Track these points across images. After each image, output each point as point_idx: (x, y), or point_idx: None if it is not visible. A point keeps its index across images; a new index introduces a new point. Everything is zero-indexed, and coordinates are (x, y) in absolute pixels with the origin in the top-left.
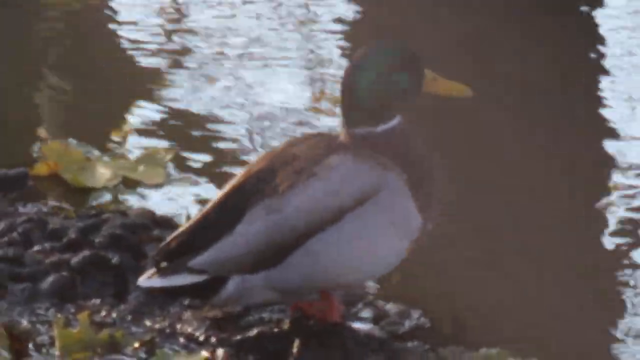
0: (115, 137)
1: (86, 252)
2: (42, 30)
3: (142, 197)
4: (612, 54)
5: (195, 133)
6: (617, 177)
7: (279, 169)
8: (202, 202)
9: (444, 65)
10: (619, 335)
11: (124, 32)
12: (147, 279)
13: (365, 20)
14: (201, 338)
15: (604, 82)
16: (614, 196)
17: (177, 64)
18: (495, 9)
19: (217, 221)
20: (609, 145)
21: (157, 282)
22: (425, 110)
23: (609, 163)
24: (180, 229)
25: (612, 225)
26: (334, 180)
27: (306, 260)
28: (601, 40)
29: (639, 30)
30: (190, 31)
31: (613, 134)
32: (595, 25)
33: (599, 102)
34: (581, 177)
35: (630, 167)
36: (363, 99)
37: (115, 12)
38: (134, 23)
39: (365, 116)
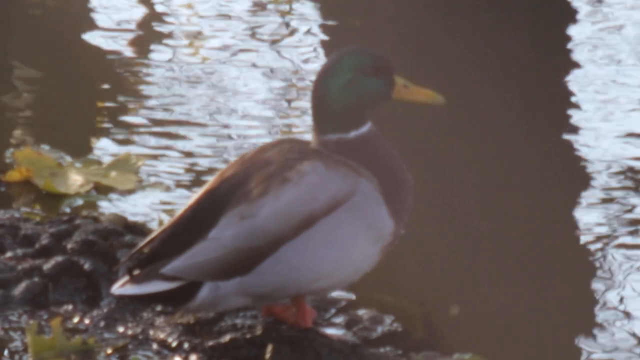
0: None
1: (58, 258)
2: (13, 34)
3: (114, 203)
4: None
5: (167, 138)
6: (589, 175)
7: (251, 174)
8: (174, 208)
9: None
10: (593, 337)
11: (99, 35)
12: (121, 287)
13: (338, 27)
14: (174, 344)
15: (576, 79)
16: (586, 196)
17: (152, 68)
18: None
19: (189, 227)
20: (581, 143)
21: (131, 289)
22: (397, 110)
23: (580, 160)
24: (153, 235)
25: (586, 225)
26: (306, 186)
27: (279, 266)
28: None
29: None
30: (167, 34)
31: (583, 132)
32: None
33: (569, 99)
34: (552, 177)
35: (602, 166)
36: (333, 105)
37: (90, 14)
38: (110, 28)
39: (336, 123)
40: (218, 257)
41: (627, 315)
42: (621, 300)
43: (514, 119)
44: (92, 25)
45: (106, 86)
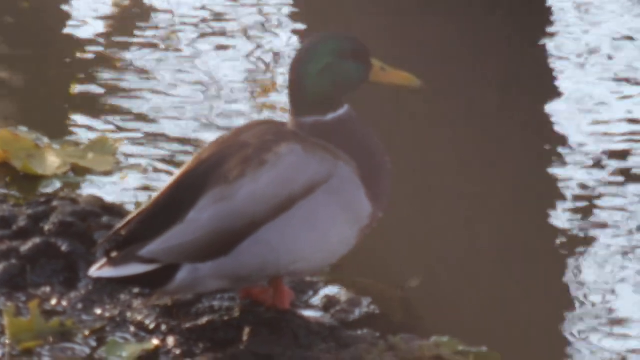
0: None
1: (36, 240)
2: None
3: (92, 184)
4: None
5: (144, 121)
6: (565, 168)
7: (229, 155)
8: (151, 189)
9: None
10: (568, 321)
11: (75, 13)
12: (98, 270)
13: (314, 12)
14: (151, 326)
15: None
16: (562, 184)
17: (125, 49)
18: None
19: (167, 209)
20: (559, 135)
21: (108, 272)
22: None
23: (558, 152)
24: (130, 217)
25: (562, 211)
26: (284, 168)
27: (257, 248)
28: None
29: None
30: (142, 16)
31: (561, 123)
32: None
33: (551, 92)
34: (530, 167)
35: (579, 158)
36: (310, 87)
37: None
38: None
39: (313, 105)
40: (196, 239)
41: (612, 298)
42: (601, 285)
43: (495, 101)
44: (70, 11)
45: (84, 69)
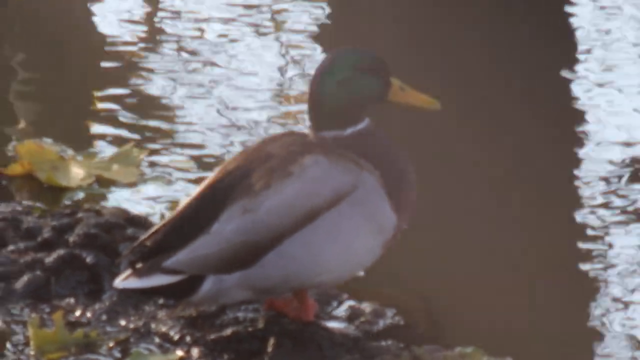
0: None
1: (60, 252)
2: (12, 27)
3: (116, 196)
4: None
5: (169, 131)
6: (586, 177)
7: (254, 167)
8: (176, 201)
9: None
10: (592, 331)
11: (99, 25)
12: (123, 281)
13: (338, 25)
14: (176, 337)
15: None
16: (583, 193)
17: (151, 61)
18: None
19: (192, 220)
20: (580, 140)
21: (133, 283)
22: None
23: (578, 160)
24: (155, 228)
25: (583, 220)
26: (309, 179)
27: (282, 260)
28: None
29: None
30: (163, 31)
31: (583, 135)
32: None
33: (570, 100)
34: (549, 173)
35: (606, 161)
36: (329, 102)
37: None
38: (111, 18)
39: (331, 120)
40: (220, 251)
41: (628, 311)
42: (622, 296)
43: (519, 114)
44: (93, 17)
45: (109, 78)
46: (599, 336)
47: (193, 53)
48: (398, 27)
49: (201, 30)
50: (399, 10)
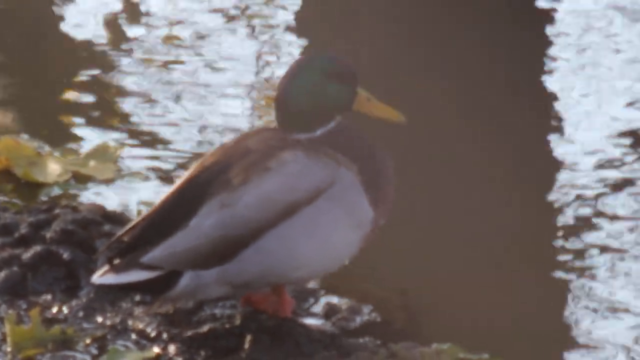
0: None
1: (37, 248)
2: None
3: (93, 192)
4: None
5: (146, 128)
6: (565, 172)
7: (232, 162)
8: (153, 197)
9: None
10: (572, 328)
11: (73, 23)
12: (101, 277)
13: (317, 22)
14: (153, 334)
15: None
16: (564, 190)
17: (128, 55)
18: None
19: (170, 215)
20: (560, 138)
21: (111, 279)
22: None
23: (559, 156)
24: (133, 224)
25: (564, 217)
26: (288, 175)
27: (260, 255)
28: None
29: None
30: (143, 22)
31: (561, 130)
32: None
33: (546, 95)
34: (531, 171)
35: (576, 163)
36: (295, 109)
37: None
38: (83, 15)
39: (299, 124)
40: (198, 246)
41: (610, 309)
42: (605, 294)
43: (517, 113)
44: (66, 14)
45: (85, 75)
46: (578, 333)
47: (168, 51)
48: (397, 27)
49: (173, 24)
50: (398, 10)
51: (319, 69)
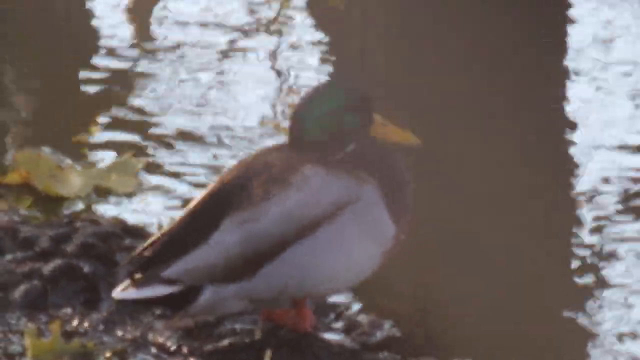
0: (84, 138)
1: (58, 261)
2: (6, 33)
3: (114, 205)
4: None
5: (167, 141)
6: (579, 177)
7: (253, 177)
8: (174, 211)
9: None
10: (592, 343)
11: (95, 33)
12: (122, 291)
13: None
14: (173, 348)
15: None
16: (578, 196)
17: (147, 70)
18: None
19: (191, 230)
20: (572, 142)
21: (132, 293)
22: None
23: (570, 161)
24: (154, 238)
25: (581, 229)
26: (310, 190)
27: (281, 271)
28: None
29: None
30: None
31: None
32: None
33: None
34: (543, 179)
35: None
36: (309, 137)
37: (86, 14)
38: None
39: (315, 151)
40: (220, 261)
41: (625, 318)
42: (620, 302)
43: (510, 118)
44: (91, 22)
45: (106, 87)
46: (597, 347)
47: (192, 60)
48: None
49: (200, 34)
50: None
51: (335, 98)
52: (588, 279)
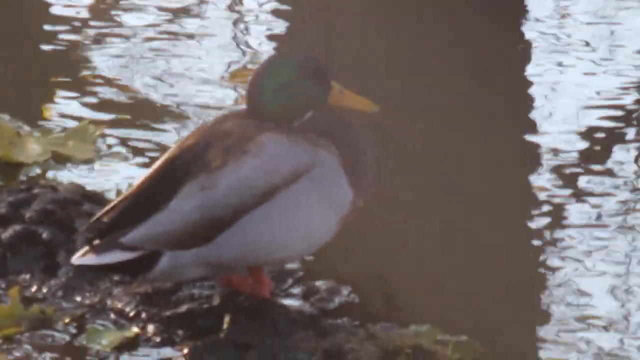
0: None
1: (16, 227)
2: None
3: (72, 172)
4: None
5: (124, 108)
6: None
7: (211, 144)
8: (131, 177)
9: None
10: (544, 312)
11: (55, 8)
12: (80, 257)
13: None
14: (131, 314)
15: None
16: (539, 181)
17: (105, 37)
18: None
19: (149, 197)
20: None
21: (91, 259)
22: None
23: (534, 150)
24: (112, 204)
25: (538, 207)
26: (267, 157)
27: (239, 237)
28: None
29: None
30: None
31: (534, 127)
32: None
33: (524, 94)
34: (507, 165)
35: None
36: (268, 105)
37: None
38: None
39: (273, 120)
40: (178, 228)
41: (583, 292)
42: (576, 278)
43: (474, 104)
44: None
45: (64, 55)
46: (552, 317)
47: (148, 31)
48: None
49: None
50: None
51: (292, 67)
52: (549, 251)
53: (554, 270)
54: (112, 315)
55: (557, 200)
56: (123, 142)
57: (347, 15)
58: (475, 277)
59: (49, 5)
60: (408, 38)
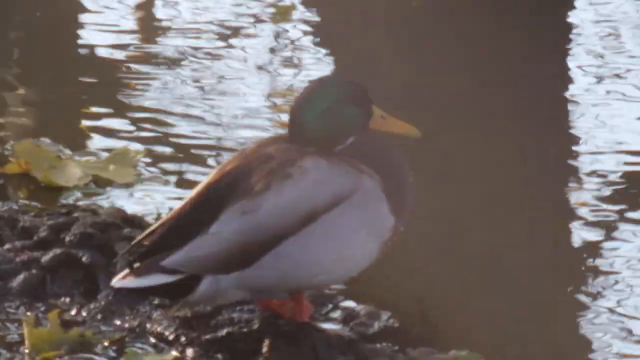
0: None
1: (57, 251)
2: (9, 29)
3: (113, 196)
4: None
5: (166, 132)
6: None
7: (252, 169)
8: (172, 201)
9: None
10: (590, 337)
11: (93, 28)
12: (121, 280)
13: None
14: (171, 337)
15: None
16: (582, 194)
17: (146, 61)
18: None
19: (190, 220)
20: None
21: (131, 282)
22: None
23: (571, 161)
24: (153, 228)
25: (581, 225)
26: (309, 182)
27: (279, 261)
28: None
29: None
30: (161, 27)
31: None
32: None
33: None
34: (548, 177)
35: (595, 169)
36: (309, 132)
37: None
38: (103, 22)
39: (314, 146)
40: (219, 251)
41: (623, 316)
42: (618, 301)
43: (510, 121)
44: (84, 21)
45: (105, 77)
46: (595, 341)
47: (187, 61)
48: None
49: (196, 36)
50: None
51: (332, 95)
52: (591, 275)
53: (602, 294)
54: (152, 339)
55: (605, 222)
56: (163, 166)
57: (347, 16)
58: (519, 301)
59: (93, 27)
60: (408, 38)
